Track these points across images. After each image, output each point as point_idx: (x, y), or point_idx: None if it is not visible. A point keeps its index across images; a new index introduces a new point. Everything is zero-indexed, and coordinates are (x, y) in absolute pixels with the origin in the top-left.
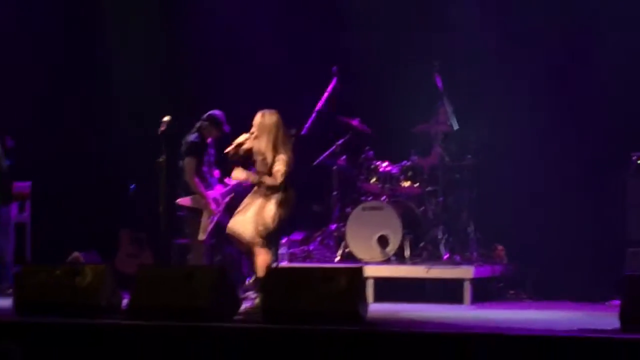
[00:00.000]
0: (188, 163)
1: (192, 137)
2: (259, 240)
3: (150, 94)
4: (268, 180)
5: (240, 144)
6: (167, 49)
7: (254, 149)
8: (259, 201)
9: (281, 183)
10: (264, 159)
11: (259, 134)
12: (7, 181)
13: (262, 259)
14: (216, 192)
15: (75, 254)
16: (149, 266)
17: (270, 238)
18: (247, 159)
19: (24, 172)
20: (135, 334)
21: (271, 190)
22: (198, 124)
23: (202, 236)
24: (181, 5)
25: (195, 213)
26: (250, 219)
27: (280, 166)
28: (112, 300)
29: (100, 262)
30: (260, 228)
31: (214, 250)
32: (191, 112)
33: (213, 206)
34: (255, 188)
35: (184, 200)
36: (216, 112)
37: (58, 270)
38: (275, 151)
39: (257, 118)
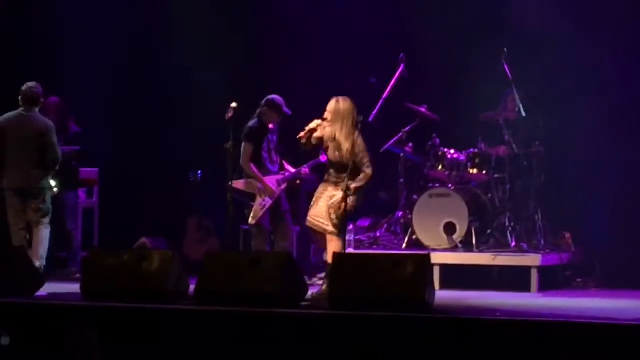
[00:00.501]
0: (244, 148)
1: (251, 122)
2: (332, 228)
3: (218, 80)
4: (363, 181)
5: (313, 130)
6: (231, 34)
7: (327, 136)
8: (330, 190)
9: (373, 173)
10: (338, 146)
11: (334, 119)
12: (74, 167)
13: (334, 245)
14: (272, 179)
15: (143, 239)
16: (216, 252)
17: (343, 226)
18: (317, 146)
19: (93, 157)
20: (202, 320)
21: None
22: (258, 110)
23: (251, 221)
24: None
25: (249, 198)
26: (324, 208)
27: (366, 158)
28: (179, 286)
29: (168, 248)
30: (333, 216)
31: (276, 237)
32: (258, 98)
33: (274, 187)
34: (326, 177)
35: (237, 183)
36: (274, 96)
37: (125, 256)
38: (350, 138)
39: (332, 104)
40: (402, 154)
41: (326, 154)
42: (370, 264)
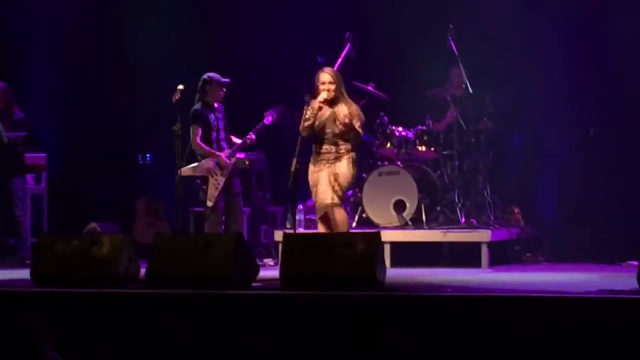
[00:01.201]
0: (192, 131)
1: (195, 105)
2: (337, 201)
3: (166, 63)
4: (357, 125)
5: (326, 100)
6: (178, 16)
7: (325, 109)
8: (327, 169)
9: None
10: (335, 114)
11: (339, 84)
12: (20, 153)
13: (340, 215)
14: (221, 155)
15: (92, 224)
16: (166, 235)
17: (345, 197)
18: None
19: (41, 143)
20: (154, 303)
21: (345, 147)
22: (197, 93)
23: (209, 202)
24: None
25: (201, 181)
26: (326, 186)
27: (360, 120)
28: (130, 269)
29: (118, 232)
30: (337, 188)
31: (228, 219)
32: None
33: (225, 160)
34: (314, 157)
35: (186, 170)
36: (208, 73)
37: (75, 241)
38: (349, 100)
39: (327, 74)
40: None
41: (317, 129)
42: (321, 244)
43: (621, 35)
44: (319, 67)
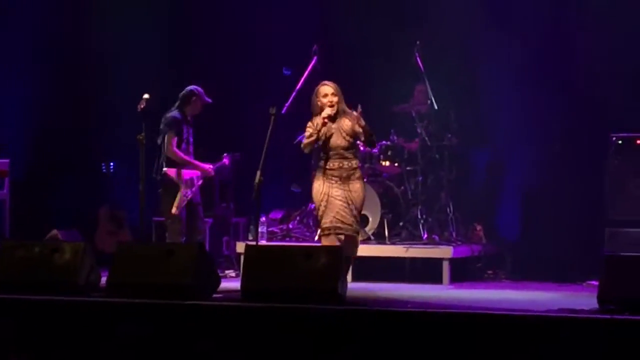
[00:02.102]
0: (168, 138)
1: (172, 112)
2: (357, 227)
3: (132, 71)
4: (363, 125)
5: (330, 115)
6: (146, 27)
7: (340, 117)
8: (339, 189)
9: None
10: (339, 127)
11: (340, 97)
12: None
13: (357, 241)
14: (193, 172)
15: (54, 231)
16: (128, 243)
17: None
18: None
19: (3, 149)
20: (114, 312)
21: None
22: (178, 102)
23: (175, 211)
24: None
25: (173, 188)
26: (346, 210)
27: (363, 120)
28: (91, 277)
29: (80, 240)
30: (355, 213)
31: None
32: (173, 90)
33: (211, 173)
34: (320, 173)
35: (170, 171)
36: (195, 87)
37: (36, 247)
38: (352, 113)
39: (329, 87)
40: (314, 146)
41: (323, 146)
42: (282, 256)
43: (584, 52)
44: (285, 80)
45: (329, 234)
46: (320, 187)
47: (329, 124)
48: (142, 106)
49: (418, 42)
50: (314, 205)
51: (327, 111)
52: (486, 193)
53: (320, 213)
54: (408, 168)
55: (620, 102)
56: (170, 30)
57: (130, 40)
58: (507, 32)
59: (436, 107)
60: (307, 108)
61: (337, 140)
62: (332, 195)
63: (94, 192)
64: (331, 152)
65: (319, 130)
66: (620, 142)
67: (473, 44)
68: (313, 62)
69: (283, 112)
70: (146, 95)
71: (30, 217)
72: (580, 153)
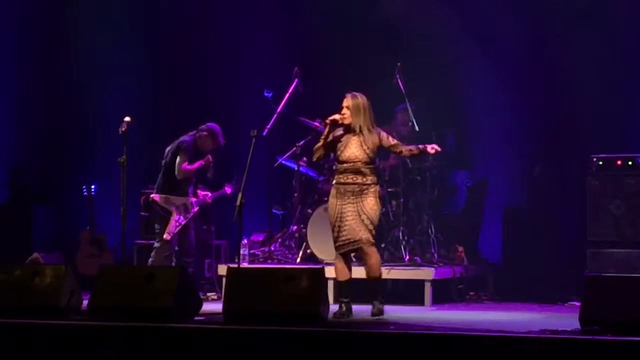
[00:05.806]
0: (180, 161)
1: (186, 138)
2: (372, 240)
3: (113, 94)
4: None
5: (335, 121)
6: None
7: (347, 131)
8: (353, 204)
9: None
10: (362, 140)
11: (355, 113)
12: None
13: (375, 258)
14: (189, 198)
15: (35, 254)
16: (110, 266)
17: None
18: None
19: None
20: (95, 335)
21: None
22: (196, 133)
23: (166, 236)
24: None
25: (165, 213)
26: (359, 224)
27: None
28: (72, 300)
29: (62, 263)
30: (370, 227)
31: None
32: (153, 113)
33: (209, 201)
34: (336, 190)
35: (157, 197)
36: (216, 125)
37: (18, 270)
38: (375, 130)
39: (350, 99)
40: (296, 168)
41: (340, 156)
42: (264, 279)
43: (565, 73)
44: (266, 101)
45: (340, 254)
46: (334, 206)
47: (349, 135)
48: (123, 129)
49: (399, 64)
50: (295, 227)
51: (335, 115)
52: (467, 214)
53: (335, 235)
54: (390, 189)
55: (600, 123)
56: (151, 53)
57: (110, 64)
58: (489, 55)
59: (417, 129)
60: (288, 130)
61: (356, 152)
62: (344, 212)
63: (75, 215)
64: (347, 166)
65: (326, 136)
66: (600, 163)
67: (454, 67)
68: (294, 83)
69: (264, 133)
70: (127, 118)
71: (11, 240)
72: (562, 174)
